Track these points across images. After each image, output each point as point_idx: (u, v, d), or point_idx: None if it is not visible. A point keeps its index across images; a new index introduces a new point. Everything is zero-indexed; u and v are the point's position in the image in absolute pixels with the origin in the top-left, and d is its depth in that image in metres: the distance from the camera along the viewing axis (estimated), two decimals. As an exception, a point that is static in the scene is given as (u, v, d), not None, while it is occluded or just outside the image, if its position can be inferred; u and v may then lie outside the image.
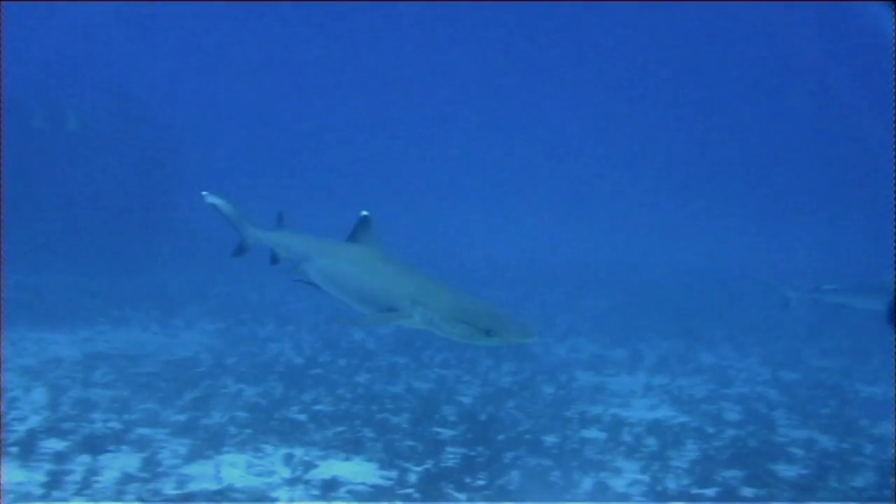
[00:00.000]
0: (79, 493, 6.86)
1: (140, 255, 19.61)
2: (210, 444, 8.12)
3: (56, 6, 34.35)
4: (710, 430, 9.81)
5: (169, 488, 7.03)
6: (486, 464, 8.02)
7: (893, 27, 5.56)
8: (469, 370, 12.28)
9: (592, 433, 9.46)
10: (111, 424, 8.62)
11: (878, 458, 8.73)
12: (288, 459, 7.82)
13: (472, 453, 8.35)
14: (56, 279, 17.25)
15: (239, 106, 53.64)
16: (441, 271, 9.65)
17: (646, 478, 7.98)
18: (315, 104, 57.17)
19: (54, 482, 6.96)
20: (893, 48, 6.88)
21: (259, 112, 54.19)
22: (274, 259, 7.71)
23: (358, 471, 7.75)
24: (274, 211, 7.95)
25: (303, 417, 9.35)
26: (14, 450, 7.64)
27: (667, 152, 52.41)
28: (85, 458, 7.60)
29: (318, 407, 9.83)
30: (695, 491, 7.69)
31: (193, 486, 7.08)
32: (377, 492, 7.21)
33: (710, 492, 7.67)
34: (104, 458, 7.65)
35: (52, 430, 8.25)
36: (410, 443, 8.56)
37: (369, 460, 8.04)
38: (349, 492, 7.18)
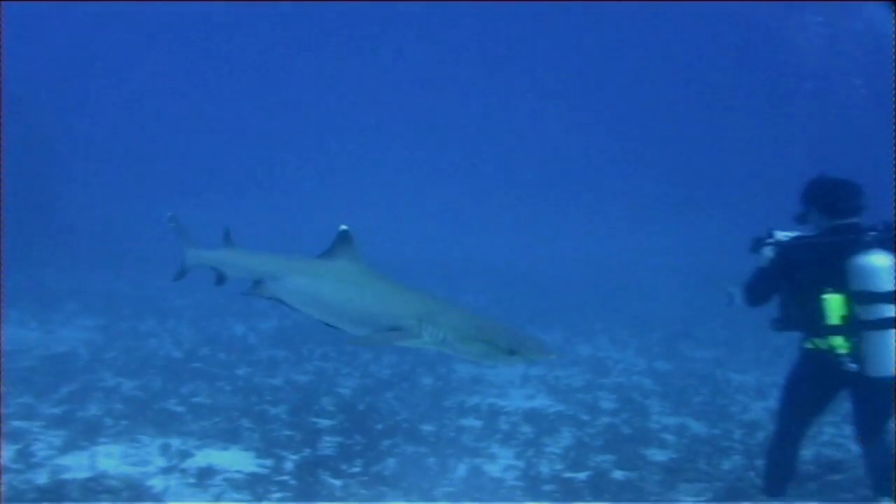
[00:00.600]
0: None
1: (18, 251, 19.11)
2: (85, 435, 8.10)
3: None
4: (585, 417, 10.14)
5: (42, 479, 7.00)
6: (362, 451, 8.19)
7: (894, 27, 5.59)
8: (349, 363, 12.46)
9: (469, 422, 9.70)
10: (-17, 418, 8.51)
11: (747, 442, 9.14)
12: (164, 449, 7.86)
13: (349, 441, 8.50)
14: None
15: (114, 104, 52.38)
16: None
17: (520, 463, 8.23)
18: (195, 103, 56.13)
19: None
20: (894, 48, 6.92)
21: (135, 112, 52.92)
22: (220, 279, 7.05)
23: (234, 459, 7.83)
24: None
25: (181, 409, 9.38)
26: None
27: (549, 148, 53.07)
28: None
29: (196, 399, 9.87)
30: (567, 475, 7.94)
31: (67, 476, 7.06)
32: (253, 479, 7.30)
33: (582, 475, 7.92)
34: (-26, 451, 7.56)
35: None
36: (288, 432, 8.67)
37: (246, 449, 8.13)
38: (225, 479, 7.26)
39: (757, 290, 6.30)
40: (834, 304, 5.89)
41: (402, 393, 10.84)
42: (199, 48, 51.25)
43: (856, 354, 5.88)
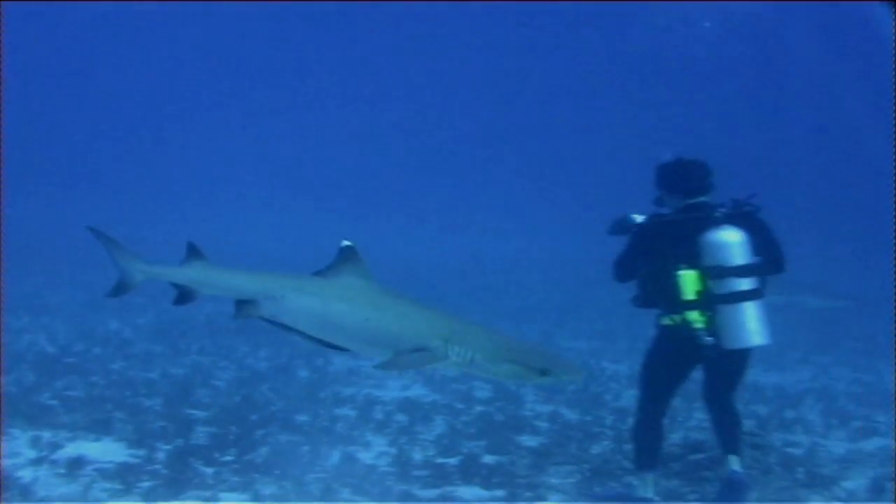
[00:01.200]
0: None
1: None
2: (-48, 430, 8.05)
3: None
4: (460, 406, 10.43)
5: None
6: (235, 441, 8.30)
7: (893, 27, 5.76)
8: (226, 356, 12.53)
9: (344, 411, 9.89)
10: None
11: (618, 427, 9.46)
12: (35, 441, 7.86)
13: (223, 432, 8.60)
14: None
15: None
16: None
17: (393, 450, 8.44)
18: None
19: None
20: (894, 48, 7.11)
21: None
22: (184, 297, 6.45)
23: (106, 450, 7.87)
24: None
25: (54, 402, 9.35)
26: None
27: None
28: None
29: (70, 393, 9.84)
30: (439, 461, 8.20)
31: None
32: (124, 469, 7.36)
33: (454, 460, 8.17)
34: None
35: None
36: (162, 423, 8.72)
37: (118, 440, 8.17)
38: (95, 469, 7.30)
39: (622, 268, 6.67)
40: (688, 280, 6.30)
41: (278, 385, 10.95)
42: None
43: (711, 328, 6.31)
